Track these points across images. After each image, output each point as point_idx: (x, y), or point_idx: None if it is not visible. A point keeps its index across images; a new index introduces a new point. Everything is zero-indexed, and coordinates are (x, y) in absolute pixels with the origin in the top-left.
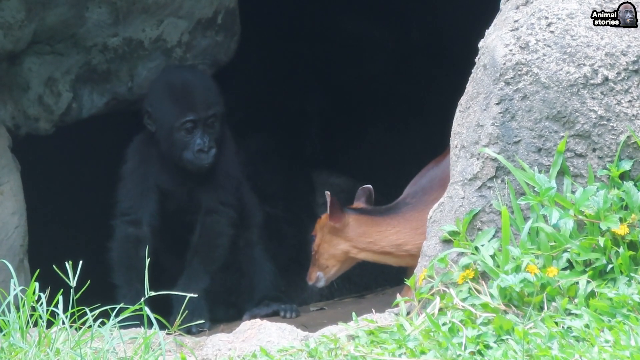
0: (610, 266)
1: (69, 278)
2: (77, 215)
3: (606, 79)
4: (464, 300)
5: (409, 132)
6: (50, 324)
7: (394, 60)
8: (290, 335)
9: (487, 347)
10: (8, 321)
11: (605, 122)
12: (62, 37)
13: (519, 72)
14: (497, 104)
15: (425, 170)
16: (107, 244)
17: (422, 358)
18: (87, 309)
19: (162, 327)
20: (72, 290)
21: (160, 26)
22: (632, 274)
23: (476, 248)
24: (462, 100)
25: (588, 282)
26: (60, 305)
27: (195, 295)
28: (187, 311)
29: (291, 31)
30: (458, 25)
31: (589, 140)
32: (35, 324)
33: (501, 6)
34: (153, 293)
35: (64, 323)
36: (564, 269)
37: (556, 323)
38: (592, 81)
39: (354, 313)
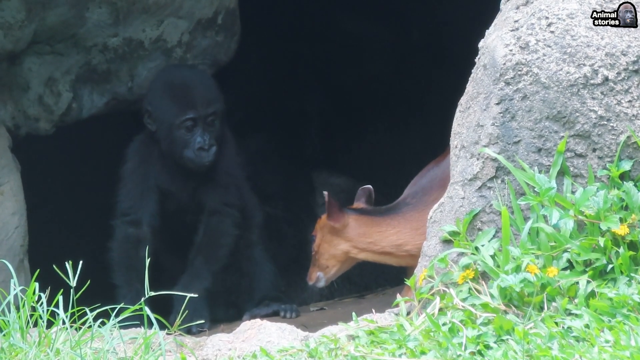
0: (610, 266)
1: (69, 278)
2: (77, 215)
3: (606, 79)
4: (464, 300)
5: (409, 132)
6: (50, 324)
7: (394, 60)
8: (291, 335)
9: (487, 347)
10: (8, 321)
11: (606, 122)
12: (62, 37)
13: (519, 72)
14: (497, 104)
15: (425, 171)
16: (107, 244)
17: (422, 358)
18: (87, 309)
19: (162, 327)
20: (72, 290)
21: (161, 26)
22: (632, 274)
23: (476, 248)
24: (462, 100)
25: (588, 282)
26: (61, 305)
27: (196, 296)
28: (187, 311)
29: (291, 31)
30: (458, 25)
31: (589, 140)
32: (35, 324)
33: (501, 6)
34: (153, 293)
35: (64, 323)
36: (564, 269)
37: (556, 323)
38: (592, 81)
39: (354, 313)
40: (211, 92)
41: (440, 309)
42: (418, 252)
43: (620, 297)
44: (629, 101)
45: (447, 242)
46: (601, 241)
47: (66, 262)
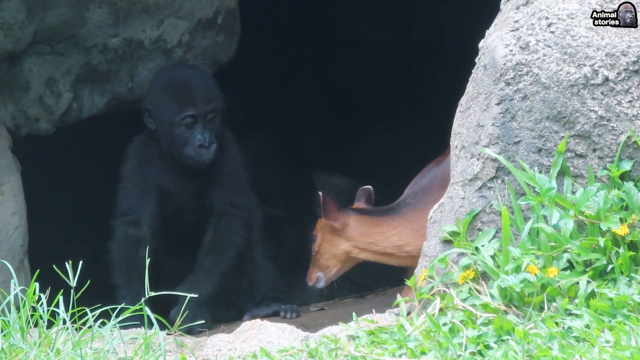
0: (610, 266)
1: (69, 278)
2: (77, 215)
3: (606, 79)
4: (464, 300)
5: (409, 133)
6: (50, 324)
7: (394, 61)
8: (291, 335)
9: (488, 347)
10: (8, 321)
11: (606, 123)
12: (63, 38)
13: (520, 73)
14: (498, 104)
15: (425, 171)
16: (107, 244)
17: (423, 358)
18: (87, 309)
19: (162, 327)
20: (72, 290)
21: (161, 26)
22: (632, 275)
23: (476, 248)
24: (463, 100)
25: (588, 282)
26: (61, 306)
27: (196, 296)
28: (187, 311)
29: (291, 31)
30: (458, 26)
31: (589, 140)
32: (36, 325)
33: (501, 6)
34: (153, 293)
35: (64, 323)
36: (564, 269)
37: (556, 323)
38: (592, 81)
39: (354, 313)
40: (211, 90)
41: (441, 309)
42: (418, 253)
43: (620, 298)
44: (629, 101)
45: (447, 242)
46: (601, 241)
47: (66, 262)
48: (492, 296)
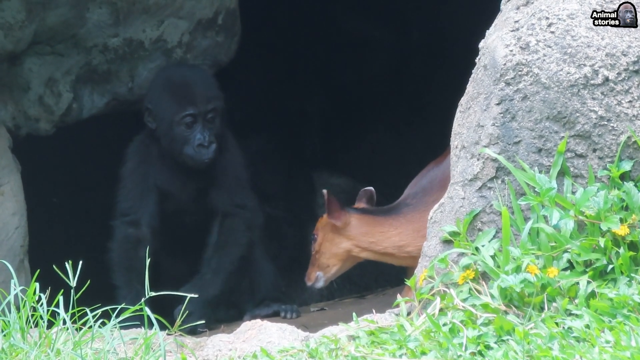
0: (610, 267)
1: (69, 278)
2: (78, 215)
3: (606, 79)
4: (464, 300)
5: (410, 133)
6: (50, 325)
7: (394, 61)
8: (291, 335)
9: (488, 347)
10: (9, 321)
11: (606, 123)
12: (63, 38)
13: (520, 73)
14: (498, 104)
15: (425, 171)
16: (107, 245)
17: (423, 358)
18: (87, 310)
19: (162, 327)
20: (72, 290)
21: (161, 27)
22: (632, 275)
23: (476, 248)
24: (463, 100)
25: (588, 282)
26: (61, 306)
27: (196, 296)
28: (193, 311)
29: (291, 31)
30: (458, 26)
31: (590, 140)
32: (36, 325)
33: (502, 6)
34: (154, 293)
35: (64, 323)
36: (565, 269)
37: (557, 323)
38: (592, 81)
39: (354, 313)
40: (211, 89)
41: (441, 310)
42: (419, 253)
43: (620, 298)
44: (630, 101)
45: (447, 242)
46: (601, 241)
47: (66, 263)
48: (492, 296)
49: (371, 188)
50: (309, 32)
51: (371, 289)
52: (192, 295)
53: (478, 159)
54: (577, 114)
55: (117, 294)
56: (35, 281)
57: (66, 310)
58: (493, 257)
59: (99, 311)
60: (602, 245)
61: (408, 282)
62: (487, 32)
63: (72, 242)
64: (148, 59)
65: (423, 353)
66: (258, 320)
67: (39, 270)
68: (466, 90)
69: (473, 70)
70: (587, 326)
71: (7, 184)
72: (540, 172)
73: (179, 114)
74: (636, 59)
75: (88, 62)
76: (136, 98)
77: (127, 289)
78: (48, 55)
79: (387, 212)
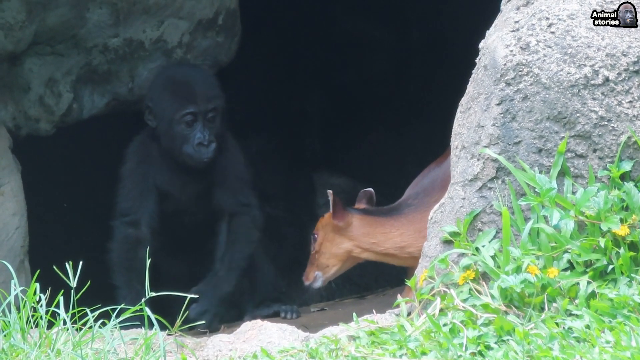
0: (610, 267)
1: (69, 279)
2: (78, 215)
3: (607, 79)
4: (464, 301)
5: (410, 133)
6: (51, 325)
7: (394, 61)
8: (291, 335)
9: (488, 347)
10: (9, 322)
11: (606, 123)
12: (63, 38)
13: (520, 73)
14: (498, 104)
15: (427, 171)
16: (107, 245)
17: (423, 359)
18: (87, 310)
19: (162, 327)
20: (72, 291)
21: (161, 27)
22: (632, 275)
23: (477, 249)
24: (463, 100)
25: (589, 282)
26: (62, 306)
27: (196, 296)
28: (203, 309)
29: (291, 31)
30: (459, 26)
31: (590, 140)
32: (36, 325)
33: (502, 7)
34: (154, 294)
35: (64, 324)
36: (565, 269)
37: (557, 324)
38: (592, 82)
39: (354, 314)
40: (212, 88)
41: (441, 310)
42: (420, 253)
43: (620, 298)
44: (630, 102)
45: (447, 242)
46: (602, 242)
47: (66, 263)
48: (492, 296)
49: (371, 189)
50: (309, 32)
51: (371, 290)
52: (192, 296)
53: (478, 159)
54: (578, 114)
55: (117, 294)
56: (36, 281)
57: (66, 310)
58: (493, 257)
59: (99, 311)
60: (603, 246)
61: (408, 283)
62: (487, 33)
63: (72, 242)
64: (148, 59)
65: (423, 353)
66: (258, 321)
67: (39, 270)
68: (466, 91)
69: (473, 71)
70: (588, 326)
71: (8, 184)
72: (540, 172)
73: (179, 112)
74: (636, 59)
75: (88, 62)
76: (136, 98)
77: (127, 289)
78: (48, 56)
79: (389, 213)
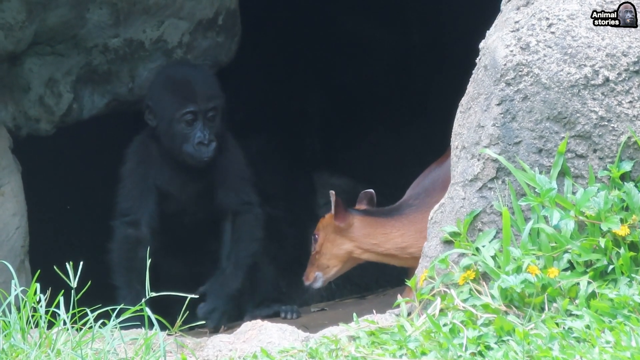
0: (611, 267)
1: (69, 279)
2: (78, 216)
3: (607, 79)
4: (464, 301)
5: (410, 133)
6: (51, 325)
7: (394, 61)
8: (291, 336)
9: (488, 348)
10: (9, 322)
11: (606, 123)
12: (63, 38)
13: (520, 73)
14: (498, 104)
15: (427, 171)
16: (107, 245)
17: (423, 359)
18: (88, 310)
19: (162, 327)
20: (72, 291)
21: (161, 27)
22: (633, 275)
23: (477, 249)
24: (463, 101)
25: (589, 283)
26: (62, 306)
27: (197, 296)
28: (212, 307)
29: (291, 31)
30: (459, 26)
31: (590, 141)
32: (36, 325)
33: (502, 7)
34: (154, 294)
35: (65, 324)
36: (565, 269)
37: (557, 324)
38: (592, 82)
39: (354, 314)
40: (212, 88)
41: (441, 310)
42: (421, 254)
43: (620, 298)
44: (630, 102)
45: (447, 242)
46: (602, 242)
47: (67, 263)
48: (492, 297)
49: (371, 190)
50: (309, 32)
51: (372, 290)
52: (192, 296)
53: (478, 160)
54: (578, 115)
55: (117, 295)
56: (36, 282)
57: (67, 310)
58: (493, 257)
59: (99, 311)
60: (603, 246)
61: (408, 283)
62: (488, 33)
63: (72, 242)
64: (148, 60)
65: (423, 353)
66: (258, 321)
67: (39, 270)
68: (466, 91)
69: (473, 71)
70: (588, 326)
71: (8, 184)
72: (540, 172)
73: (179, 111)
74: (636, 60)
75: (88, 62)
76: (136, 98)
77: (127, 290)
78: (48, 56)
79: (390, 214)
